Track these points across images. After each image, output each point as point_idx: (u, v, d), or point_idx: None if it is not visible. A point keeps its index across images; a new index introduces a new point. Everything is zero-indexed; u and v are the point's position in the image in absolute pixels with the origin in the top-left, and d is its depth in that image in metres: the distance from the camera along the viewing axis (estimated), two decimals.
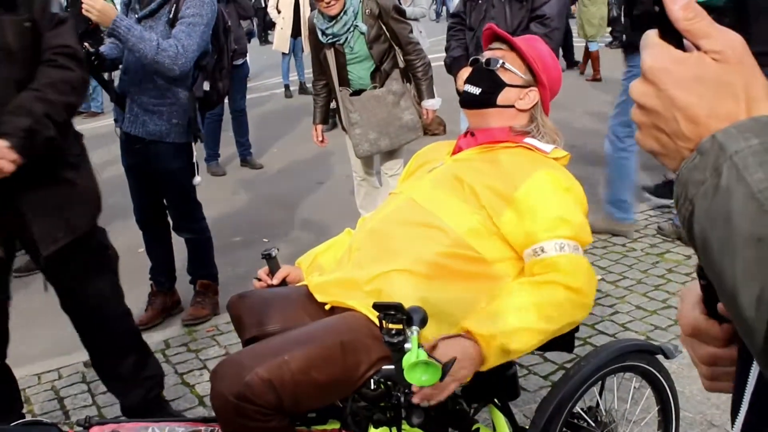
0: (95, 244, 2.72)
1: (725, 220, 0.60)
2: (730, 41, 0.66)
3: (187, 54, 3.50)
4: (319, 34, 4.32)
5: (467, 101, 2.27)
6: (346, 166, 6.10)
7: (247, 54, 7.47)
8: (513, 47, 2.24)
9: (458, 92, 3.71)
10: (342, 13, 4.19)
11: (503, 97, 2.20)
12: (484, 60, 2.26)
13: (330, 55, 4.36)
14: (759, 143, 0.60)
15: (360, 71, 4.33)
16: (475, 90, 2.23)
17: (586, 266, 1.97)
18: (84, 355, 3.66)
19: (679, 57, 0.67)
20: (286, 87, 11.73)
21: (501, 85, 2.20)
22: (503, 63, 2.22)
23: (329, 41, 4.30)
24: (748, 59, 0.66)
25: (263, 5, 12.47)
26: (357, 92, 4.38)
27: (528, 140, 2.17)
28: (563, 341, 2.29)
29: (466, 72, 3.46)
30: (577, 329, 2.33)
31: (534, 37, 2.41)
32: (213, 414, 1.87)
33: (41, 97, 2.34)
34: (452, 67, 3.98)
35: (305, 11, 9.76)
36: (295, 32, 10.61)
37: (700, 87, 0.65)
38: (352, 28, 4.23)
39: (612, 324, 3.74)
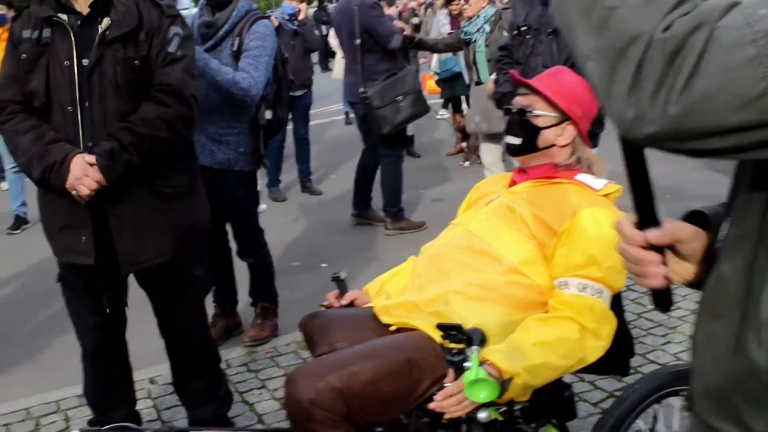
0: (182, 272, 2.87)
1: (563, 14, 0.98)
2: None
3: (258, 85, 3.68)
4: (463, 34, 5.66)
5: (513, 151, 2.39)
6: (404, 193, 6.22)
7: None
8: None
9: None
10: (475, 17, 5.56)
11: (543, 140, 2.30)
12: (515, 110, 2.34)
13: (468, 51, 5.69)
14: None
15: (482, 67, 5.49)
16: (517, 140, 2.34)
17: (601, 310, 2.05)
18: (150, 373, 3.83)
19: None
20: (346, 114, 11.80)
21: (536, 130, 2.29)
22: (531, 111, 2.30)
23: (465, 39, 5.64)
24: None
25: (324, 34, 12.72)
26: (479, 83, 5.57)
27: (579, 177, 2.26)
28: (618, 366, 2.37)
29: None
30: (632, 354, 2.40)
31: (560, 70, 2.46)
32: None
33: (130, 129, 2.54)
34: (501, 102, 3.93)
35: None
36: None
37: None
38: (482, 31, 5.52)
39: (663, 354, 3.77)
